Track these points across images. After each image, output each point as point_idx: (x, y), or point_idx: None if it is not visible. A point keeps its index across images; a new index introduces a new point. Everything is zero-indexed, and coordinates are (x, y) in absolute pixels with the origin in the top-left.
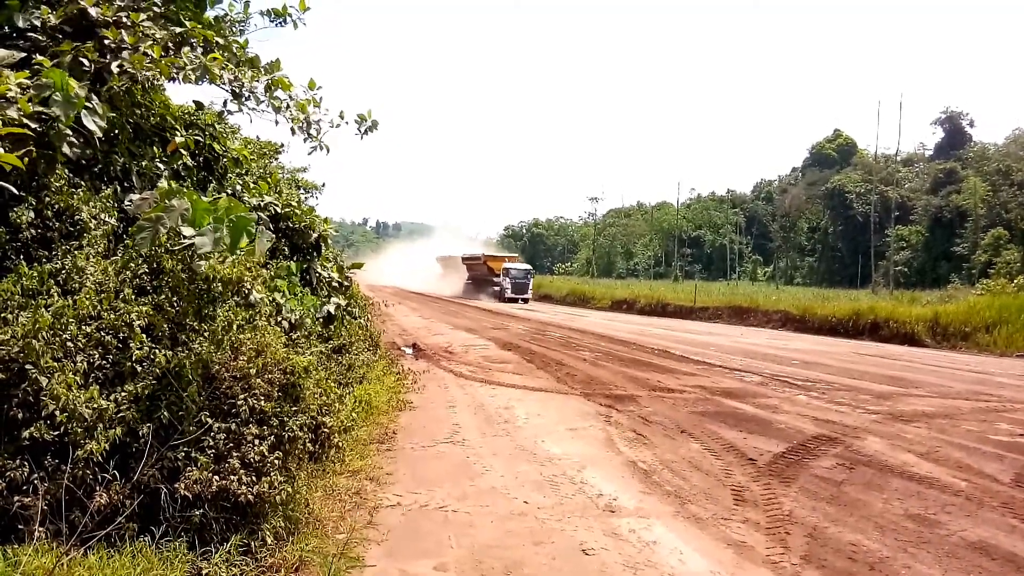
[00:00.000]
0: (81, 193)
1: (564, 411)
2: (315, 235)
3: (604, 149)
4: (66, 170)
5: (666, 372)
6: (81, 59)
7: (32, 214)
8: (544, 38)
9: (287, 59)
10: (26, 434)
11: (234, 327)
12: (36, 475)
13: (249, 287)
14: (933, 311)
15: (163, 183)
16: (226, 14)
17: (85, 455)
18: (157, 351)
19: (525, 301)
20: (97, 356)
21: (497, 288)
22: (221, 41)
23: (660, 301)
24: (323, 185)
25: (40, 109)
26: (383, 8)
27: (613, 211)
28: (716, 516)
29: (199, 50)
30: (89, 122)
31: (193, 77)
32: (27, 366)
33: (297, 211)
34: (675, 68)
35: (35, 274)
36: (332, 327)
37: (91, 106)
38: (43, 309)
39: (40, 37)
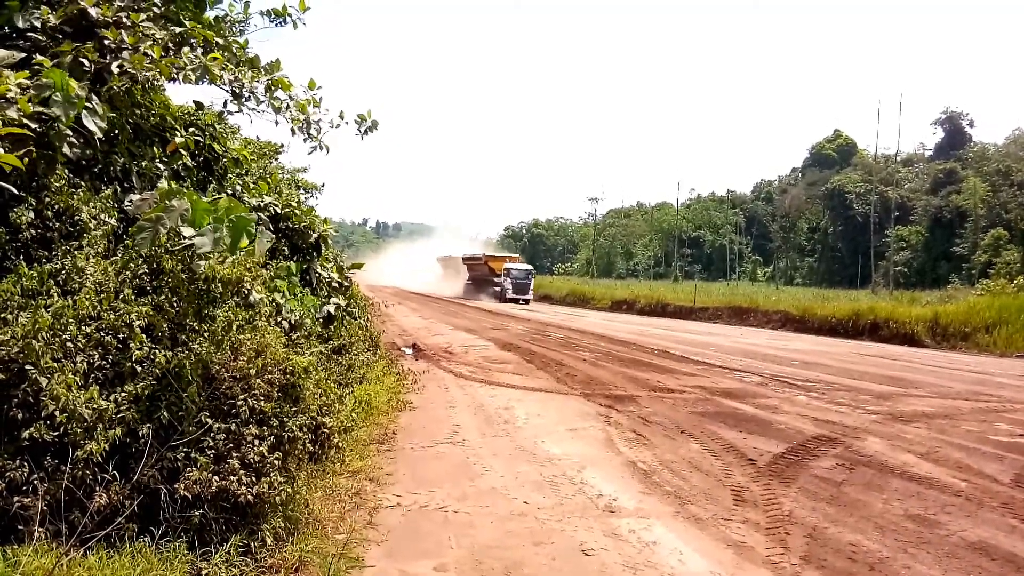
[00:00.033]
0: (81, 193)
1: (564, 411)
2: (315, 235)
3: (604, 149)
4: (66, 170)
5: (666, 372)
6: (81, 59)
7: (32, 214)
8: (544, 38)
9: (287, 59)
10: (26, 434)
11: (234, 327)
12: (36, 475)
13: (249, 287)
14: (933, 311)
15: (163, 183)
16: (226, 14)
17: (85, 455)
18: (157, 351)
19: (526, 302)
20: (97, 356)
21: (498, 288)
22: (221, 41)
23: (660, 301)
24: (323, 185)
25: (40, 109)
26: (383, 8)
27: (613, 211)
28: (716, 516)
29: (199, 50)
30: (89, 122)
31: (193, 77)
32: (27, 366)
33: (297, 211)
34: (675, 68)
35: (35, 274)
36: (332, 327)
37: (91, 106)
38: (43, 309)
39: (40, 37)
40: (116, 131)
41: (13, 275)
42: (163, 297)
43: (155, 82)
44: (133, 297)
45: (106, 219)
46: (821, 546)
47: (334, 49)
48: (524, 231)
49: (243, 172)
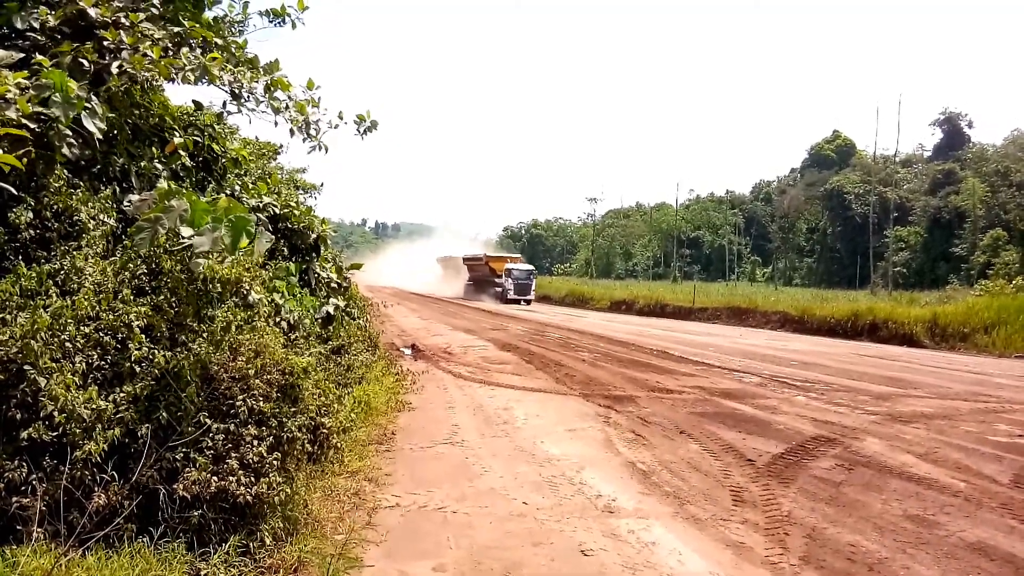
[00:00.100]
0: (80, 194)
1: (563, 412)
2: (314, 236)
3: (603, 149)
4: (65, 171)
5: (665, 373)
6: (80, 60)
7: (31, 215)
8: (544, 38)
9: (286, 59)
10: (25, 435)
11: (233, 328)
12: (35, 476)
13: (248, 288)
14: (932, 312)
15: (162, 184)
16: (225, 15)
17: (84, 456)
18: (156, 352)
19: (528, 303)
20: (96, 357)
21: (499, 289)
22: (220, 42)
23: (659, 302)
24: (321, 185)
25: (39, 110)
26: (383, 8)
27: (612, 212)
28: (715, 517)
29: (198, 51)
30: (88, 123)
31: (192, 78)
32: (26, 367)
33: (296, 212)
34: (674, 69)
35: (34, 274)
36: (331, 328)
37: (90, 107)
38: (42, 310)
39: (39, 37)
40: (115, 131)
41: (12, 275)
42: (162, 297)
43: (154, 82)
44: (132, 297)
45: (105, 219)
46: (820, 546)
47: (334, 49)
48: (523, 231)
49: (242, 172)
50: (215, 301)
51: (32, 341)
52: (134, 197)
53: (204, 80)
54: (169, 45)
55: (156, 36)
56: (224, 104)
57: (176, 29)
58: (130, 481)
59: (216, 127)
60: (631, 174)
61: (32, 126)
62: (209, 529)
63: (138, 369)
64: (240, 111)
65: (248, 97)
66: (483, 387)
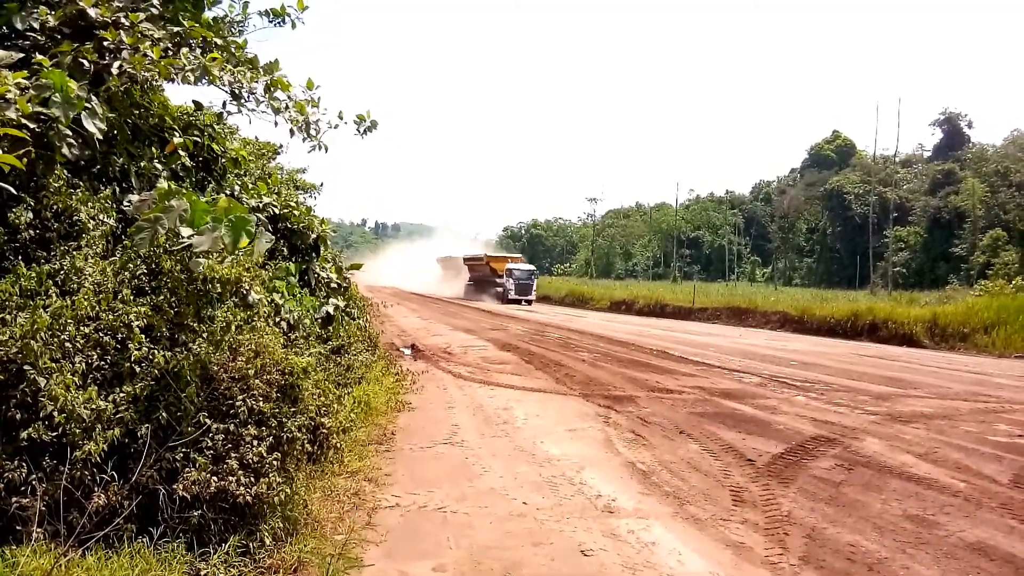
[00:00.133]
0: (80, 194)
1: (563, 412)
2: (314, 236)
3: (603, 150)
4: (65, 171)
5: (665, 373)
6: (81, 60)
7: (31, 215)
8: (544, 38)
9: (286, 59)
10: (24, 435)
11: (233, 328)
12: (34, 476)
13: (248, 288)
14: (931, 312)
15: (162, 184)
16: (225, 15)
17: (83, 456)
18: (156, 352)
19: (529, 303)
20: (95, 357)
21: (500, 289)
22: (220, 42)
23: (659, 302)
24: (321, 185)
25: (39, 110)
26: (383, 8)
27: (612, 212)
28: (715, 517)
29: (198, 51)
30: (88, 123)
31: (192, 78)
32: (25, 367)
33: (296, 212)
34: (674, 69)
35: (33, 275)
36: (331, 328)
37: (90, 107)
38: (41, 310)
39: (39, 38)
40: (115, 131)
41: (12, 275)
42: (162, 297)
43: (154, 82)
44: (132, 297)
45: (105, 219)
46: (820, 546)
47: (334, 49)
48: (523, 231)
49: (242, 172)
50: (215, 301)
51: (32, 341)
52: (134, 197)
53: (204, 80)
54: (169, 45)
55: (156, 36)
56: (224, 104)
57: (176, 29)
58: (130, 481)
59: (216, 127)
60: (631, 174)
61: (32, 126)
62: (209, 529)
63: (138, 369)
64: (240, 111)
65: (248, 97)
66: (483, 387)
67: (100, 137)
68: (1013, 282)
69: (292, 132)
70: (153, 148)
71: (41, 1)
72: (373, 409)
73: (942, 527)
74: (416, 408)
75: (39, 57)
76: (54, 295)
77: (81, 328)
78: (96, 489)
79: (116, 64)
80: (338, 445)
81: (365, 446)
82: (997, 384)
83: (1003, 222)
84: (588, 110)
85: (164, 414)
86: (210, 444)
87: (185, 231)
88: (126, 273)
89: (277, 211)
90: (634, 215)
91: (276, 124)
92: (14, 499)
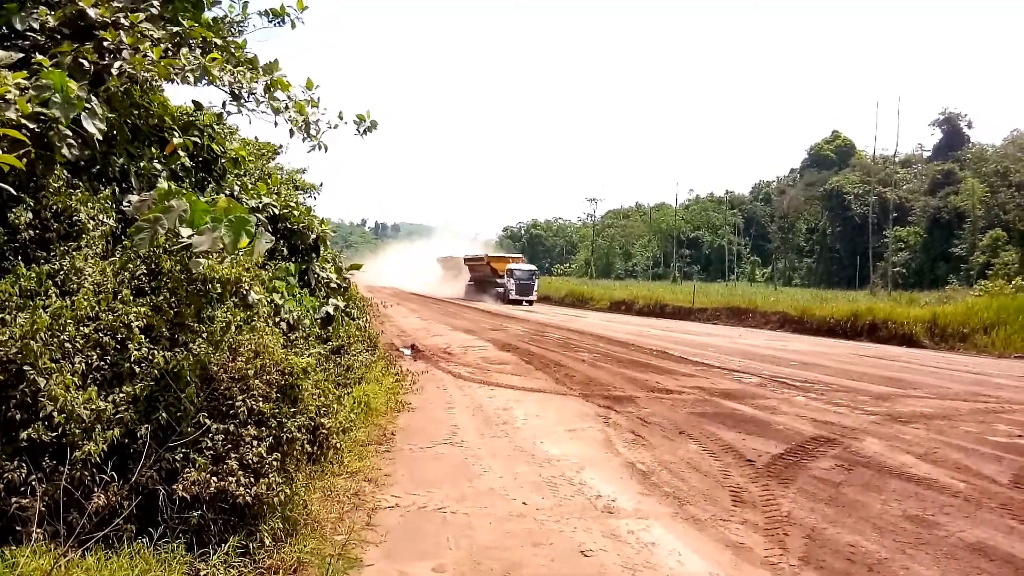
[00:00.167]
0: (79, 194)
1: (563, 412)
2: (313, 236)
3: (603, 150)
4: (64, 171)
5: (664, 373)
6: (81, 60)
7: (30, 215)
8: (543, 38)
9: (285, 59)
10: (24, 435)
11: (232, 328)
12: (34, 476)
13: (247, 288)
14: (931, 312)
15: (161, 184)
16: (225, 15)
17: (83, 456)
18: (155, 352)
19: (530, 303)
20: (95, 357)
21: (501, 289)
22: (219, 42)
23: (658, 302)
24: (321, 185)
25: (39, 110)
26: (383, 8)
27: (612, 212)
28: (715, 517)
29: (198, 51)
30: (88, 124)
31: (192, 78)
32: (25, 367)
33: (295, 212)
34: (674, 69)
35: (33, 275)
36: (330, 328)
37: (90, 107)
38: (41, 310)
39: (39, 38)
40: (115, 132)
41: (11, 275)
42: (161, 298)
43: (154, 83)
44: (131, 298)
45: (104, 220)
46: (820, 547)
47: (333, 49)
48: (523, 232)
49: (242, 173)
50: (215, 301)
51: (32, 341)
52: (133, 197)
53: (204, 80)
54: (169, 45)
55: (156, 36)
56: (224, 104)
57: (176, 29)
58: (130, 482)
59: (216, 127)
60: (631, 174)
61: (32, 126)
62: (209, 530)
63: (138, 369)
64: (240, 111)
65: (248, 97)
66: (483, 387)
67: (100, 137)
68: (1013, 282)
69: (292, 132)
70: (153, 148)
71: (41, 1)
72: (373, 409)
73: (942, 527)
74: (416, 408)
75: (39, 57)
76: (54, 295)
77: (81, 328)
78: (96, 489)
79: (116, 64)
80: (338, 445)
81: (365, 446)
82: (997, 384)
83: (1003, 222)
84: (588, 110)
85: (164, 414)
86: (210, 444)
87: (185, 231)
88: (126, 273)
89: (277, 211)
90: (634, 215)
91: (276, 124)
92: (14, 499)
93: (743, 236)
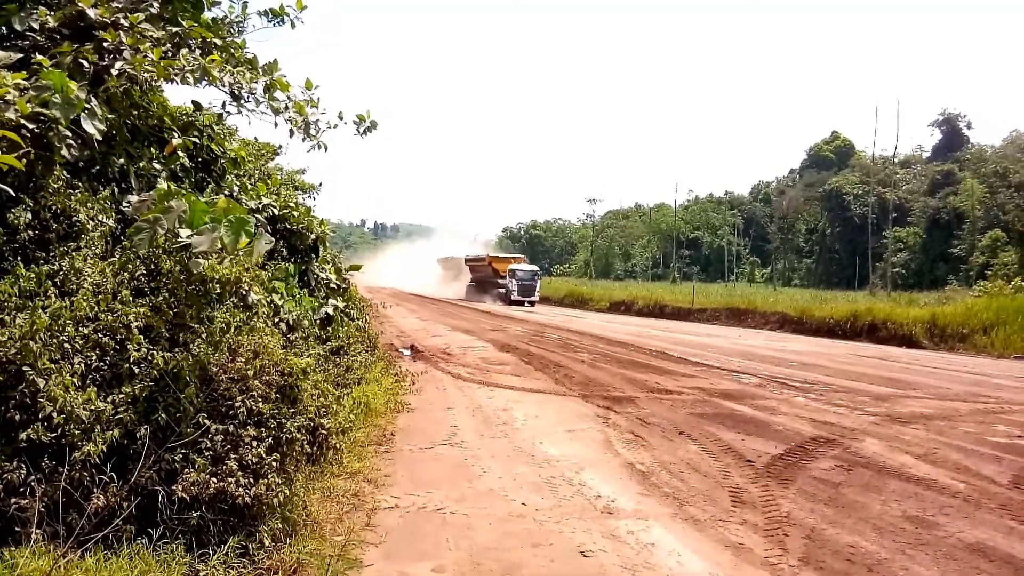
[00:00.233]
0: (79, 194)
1: (562, 413)
2: (313, 237)
3: (602, 150)
4: (64, 171)
5: (664, 374)
6: (80, 60)
7: (30, 215)
8: (543, 39)
9: (285, 59)
10: (23, 436)
11: (232, 328)
12: (33, 477)
13: (247, 288)
14: (931, 313)
15: (161, 184)
16: (224, 15)
17: (82, 457)
18: (155, 353)
19: (532, 303)
20: (95, 358)
21: (502, 290)
22: (219, 42)
23: (658, 302)
24: (320, 185)
25: (39, 110)
26: (382, 8)
27: (611, 212)
28: (714, 518)
29: (197, 51)
30: (88, 124)
31: (192, 79)
32: (24, 368)
33: (295, 213)
34: (673, 70)
35: (33, 275)
36: (330, 329)
37: (90, 108)
38: (40, 311)
39: (39, 38)
40: (114, 132)
41: (11, 276)
42: (161, 298)
43: (153, 83)
44: (131, 298)
45: (104, 220)
46: (819, 547)
47: (333, 49)
48: (522, 232)
49: (241, 173)
50: (214, 302)
51: (31, 342)
52: (133, 198)
53: (204, 81)
54: (168, 46)
55: (156, 37)
56: (224, 105)
57: (175, 30)
58: (129, 482)
59: (215, 128)
60: (630, 174)
61: (31, 127)
62: (208, 530)
63: (137, 370)
64: (240, 112)
65: (247, 98)
66: (482, 388)
67: (99, 138)
68: (1012, 283)
69: (292, 132)
70: (152, 149)
71: (41, 2)
72: (372, 410)
73: (941, 528)
74: (415, 409)
75: (39, 58)
76: (53, 296)
77: (80, 329)
78: (95, 490)
79: (116, 65)
80: (337, 446)
81: (364, 447)
82: (996, 385)
83: (1002, 223)
84: (588, 110)
85: (163, 415)
86: (209, 445)
87: (184, 232)
88: (125, 274)
89: (276, 212)
90: (633, 216)
91: (276, 124)
92: (13, 500)
93: (742, 237)
